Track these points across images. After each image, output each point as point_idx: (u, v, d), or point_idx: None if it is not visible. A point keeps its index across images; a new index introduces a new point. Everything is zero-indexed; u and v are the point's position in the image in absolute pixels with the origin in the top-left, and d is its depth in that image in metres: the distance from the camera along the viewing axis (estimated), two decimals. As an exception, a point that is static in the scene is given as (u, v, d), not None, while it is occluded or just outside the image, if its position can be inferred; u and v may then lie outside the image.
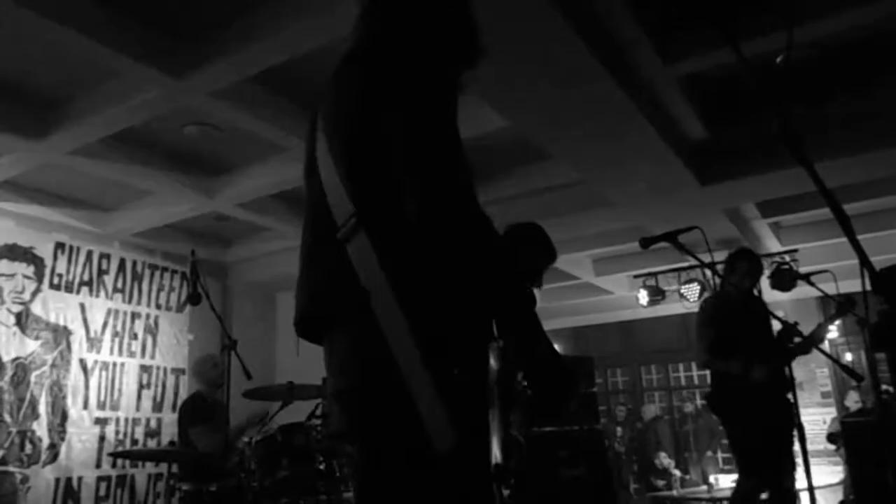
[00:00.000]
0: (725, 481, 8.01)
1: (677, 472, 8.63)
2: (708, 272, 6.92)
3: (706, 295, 3.96)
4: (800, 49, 4.21)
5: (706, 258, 3.26)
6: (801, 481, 3.58)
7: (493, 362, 1.24)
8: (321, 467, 3.86)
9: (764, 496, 3.93)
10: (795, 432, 3.34)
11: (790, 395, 3.65)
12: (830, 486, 7.08)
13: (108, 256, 6.10)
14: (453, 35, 1.46)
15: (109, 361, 5.90)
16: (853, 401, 7.40)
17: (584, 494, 5.75)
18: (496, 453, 1.20)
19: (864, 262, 1.71)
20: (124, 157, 4.99)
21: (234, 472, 3.93)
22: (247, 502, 3.77)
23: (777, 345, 3.97)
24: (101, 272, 6.01)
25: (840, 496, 7.00)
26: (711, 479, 8.11)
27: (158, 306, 6.42)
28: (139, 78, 3.84)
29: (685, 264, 7.13)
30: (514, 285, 1.26)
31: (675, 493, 7.52)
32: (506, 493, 1.31)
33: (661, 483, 8.57)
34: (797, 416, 3.36)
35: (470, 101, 4.22)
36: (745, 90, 4.53)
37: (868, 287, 2.02)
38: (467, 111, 4.39)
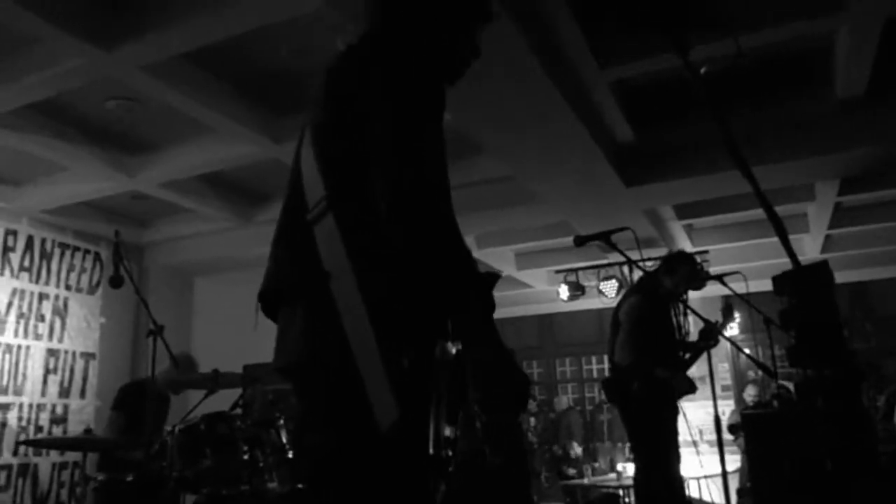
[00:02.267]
0: (630, 469, 8.41)
1: (581, 460, 8.98)
2: (626, 269, 7.21)
3: (635, 296, 4.13)
4: (720, 60, 4.44)
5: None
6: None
7: (447, 356, 1.28)
8: (245, 457, 3.80)
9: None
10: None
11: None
12: (728, 473, 7.51)
13: (14, 233, 5.75)
14: (451, 47, 1.54)
15: (13, 344, 5.57)
16: (750, 395, 7.89)
17: (502, 483, 5.89)
18: (433, 442, 1.26)
19: (795, 261, 1.85)
20: (38, 128, 4.70)
21: (154, 462, 3.81)
22: (166, 493, 3.67)
23: (685, 344, 4.23)
24: (6, 249, 5.66)
25: (737, 483, 7.45)
26: (619, 467, 8.47)
27: (68, 287, 6.10)
28: (63, 46, 3.62)
29: (605, 261, 7.40)
30: (471, 289, 1.26)
31: (585, 481, 7.80)
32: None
33: (571, 472, 8.87)
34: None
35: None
36: (670, 96, 4.74)
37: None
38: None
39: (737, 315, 4.11)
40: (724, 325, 4.35)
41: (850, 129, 4.88)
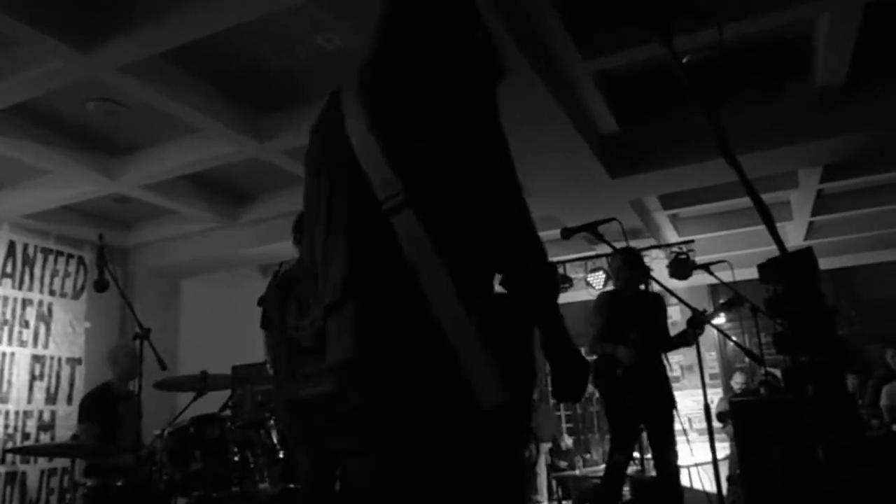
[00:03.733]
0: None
1: (572, 451, 9.01)
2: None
3: (605, 288, 4.41)
4: (700, 51, 4.47)
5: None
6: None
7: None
8: (235, 458, 3.78)
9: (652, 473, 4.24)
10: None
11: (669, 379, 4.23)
12: (716, 461, 7.57)
13: (-6, 239, 5.68)
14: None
15: (-3, 351, 5.50)
16: (737, 382, 7.95)
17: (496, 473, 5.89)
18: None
19: (782, 248, 1.85)
20: (17, 131, 4.64)
21: (143, 466, 3.78)
22: (157, 497, 3.64)
23: (666, 335, 4.36)
24: (-13, 256, 5.59)
25: (726, 471, 7.51)
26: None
27: (52, 293, 6.03)
28: (41, 49, 3.58)
29: (592, 253, 7.42)
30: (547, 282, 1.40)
31: (577, 472, 7.83)
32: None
33: (563, 464, 8.90)
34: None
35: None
36: (654, 87, 4.75)
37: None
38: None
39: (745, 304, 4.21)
40: (713, 315, 4.41)
41: (831, 117, 4.91)
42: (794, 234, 7.95)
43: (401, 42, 1.48)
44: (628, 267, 4.44)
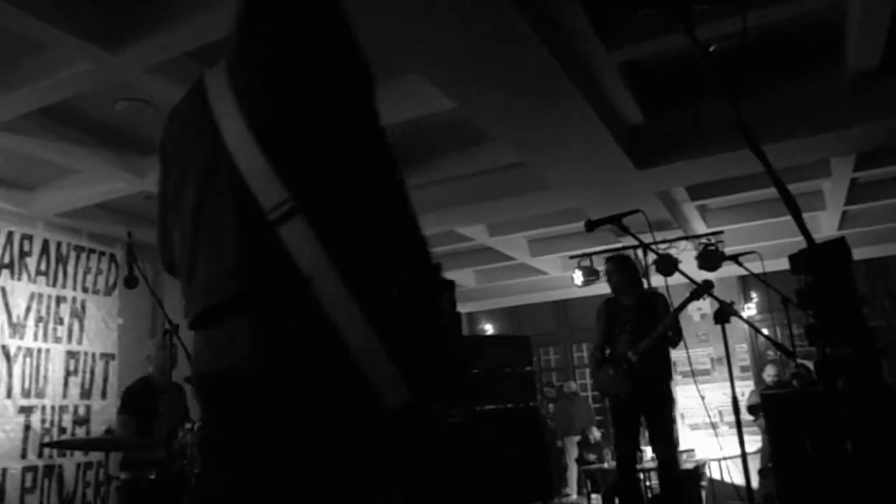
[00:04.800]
0: (650, 451, 8.40)
1: (601, 444, 8.96)
2: (640, 253, 7.16)
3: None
4: (729, 38, 4.40)
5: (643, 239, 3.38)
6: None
7: None
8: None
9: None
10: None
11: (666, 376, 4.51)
12: (749, 454, 7.47)
13: (30, 238, 5.80)
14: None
15: (34, 347, 5.63)
16: (769, 375, 7.83)
17: (519, 471, 5.90)
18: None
19: (809, 240, 1.82)
20: (50, 133, 4.74)
21: (175, 460, 3.84)
22: (189, 490, 3.70)
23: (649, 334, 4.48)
24: (22, 254, 5.71)
25: (758, 464, 7.41)
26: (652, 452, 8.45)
27: (85, 290, 6.16)
28: (69, 51, 3.65)
29: (618, 245, 7.35)
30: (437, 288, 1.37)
31: (605, 465, 7.79)
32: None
33: (592, 457, 8.86)
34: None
35: (414, 80, 4.21)
36: (680, 77, 4.69)
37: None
38: (411, 90, 4.39)
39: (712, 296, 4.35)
40: (684, 305, 4.50)
41: (863, 104, 4.80)
42: (827, 224, 7.80)
43: (274, 49, 1.41)
44: (618, 272, 4.68)
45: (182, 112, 1.52)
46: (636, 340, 4.45)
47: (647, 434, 4.97)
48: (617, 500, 4.78)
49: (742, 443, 2.85)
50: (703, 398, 6.00)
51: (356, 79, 1.36)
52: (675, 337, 4.53)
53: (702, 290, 4.38)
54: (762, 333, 2.87)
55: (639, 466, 6.88)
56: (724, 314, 2.96)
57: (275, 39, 1.42)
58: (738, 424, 2.88)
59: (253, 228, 1.30)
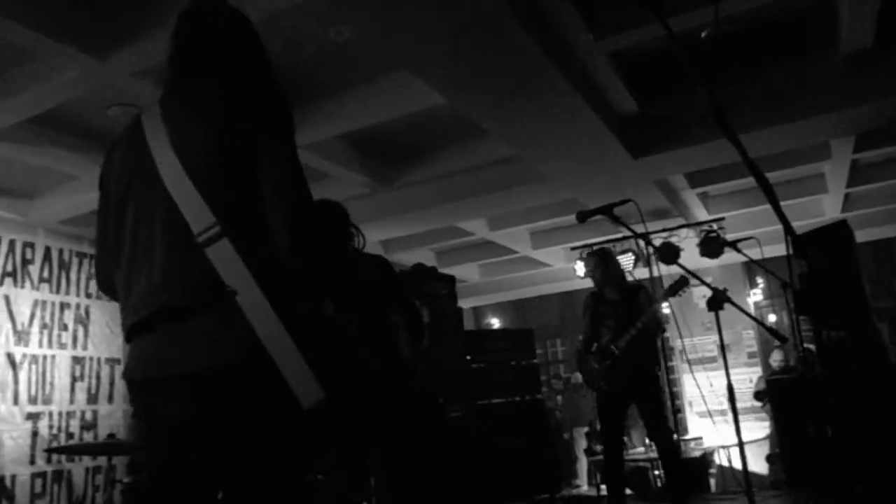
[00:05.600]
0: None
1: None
2: (642, 242, 7.14)
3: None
4: (722, 24, 4.36)
5: (639, 229, 3.37)
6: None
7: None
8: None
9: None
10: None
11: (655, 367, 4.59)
12: (757, 441, 7.46)
13: (32, 245, 5.85)
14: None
15: (39, 354, 5.68)
16: (776, 360, 7.79)
17: (525, 463, 5.90)
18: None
19: (787, 226, 1.81)
20: (46, 140, 4.76)
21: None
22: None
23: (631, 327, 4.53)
24: (25, 262, 5.76)
25: (766, 450, 7.39)
26: (648, 441, 8.44)
27: (89, 295, 6.20)
28: (59, 58, 3.66)
29: (619, 235, 7.33)
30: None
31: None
32: None
33: (600, 447, 8.84)
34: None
35: (405, 76, 4.20)
36: (673, 65, 4.66)
37: (790, 251, 2.12)
38: (403, 88, 4.39)
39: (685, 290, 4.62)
40: (664, 298, 4.70)
41: (858, 84, 4.76)
42: (830, 207, 7.74)
43: (204, 89, 1.59)
44: (600, 266, 4.75)
45: (120, 148, 1.68)
46: (619, 334, 4.51)
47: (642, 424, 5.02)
48: (605, 489, 4.87)
49: (738, 430, 2.84)
50: (698, 386, 5.98)
51: (276, 109, 1.54)
52: (657, 329, 4.62)
53: (678, 285, 4.53)
54: (751, 317, 2.86)
55: (645, 456, 6.89)
56: (717, 301, 2.95)
57: (206, 78, 1.61)
58: (734, 412, 2.87)
59: (184, 248, 1.45)
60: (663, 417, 4.57)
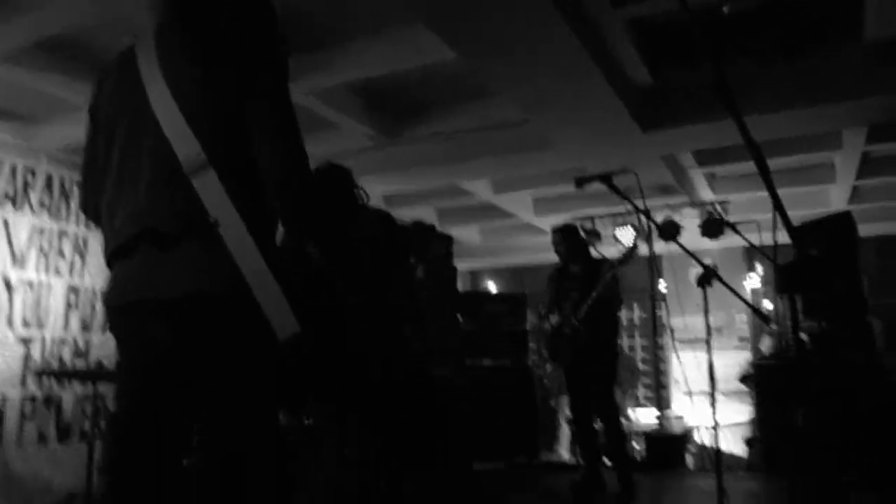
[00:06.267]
0: (641, 415, 8.53)
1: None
2: (644, 218, 7.11)
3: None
4: (745, 1, 4.28)
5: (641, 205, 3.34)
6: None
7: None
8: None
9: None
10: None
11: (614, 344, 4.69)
12: (739, 424, 7.53)
13: (33, 171, 5.83)
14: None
15: (35, 280, 5.71)
16: (766, 345, 7.81)
17: (506, 426, 5.98)
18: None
19: (776, 203, 1.79)
20: (51, 66, 4.71)
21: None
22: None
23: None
24: (25, 187, 5.75)
25: (748, 434, 7.46)
26: (630, 413, 8.55)
27: (87, 225, 6.21)
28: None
29: (622, 209, 7.30)
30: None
31: (595, 425, 7.86)
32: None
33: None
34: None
35: (416, 29, 4.13)
36: (690, 37, 4.57)
37: (784, 236, 2.11)
38: (411, 39, 4.31)
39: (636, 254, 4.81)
40: (620, 266, 4.71)
41: (879, 74, 4.67)
42: (837, 198, 7.69)
43: (202, 24, 1.58)
44: (565, 241, 4.81)
45: (112, 78, 1.69)
46: (579, 308, 4.57)
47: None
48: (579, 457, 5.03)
49: (714, 410, 2.87)
50: (698, 366, 5.99)
51: (271, 53, 1.54)
52: (614, 300, 4.67)
53: (628, 255, 4.68)
54: (740, 296, 2.86)
55: (624, 427, 6.96)
56: (706, 278, 2.95)
57: (204, 15, 1.58)
58: (713, 392, 2.89)
59: (169, 176, 1.46)
60: (609, 395, 4.66)
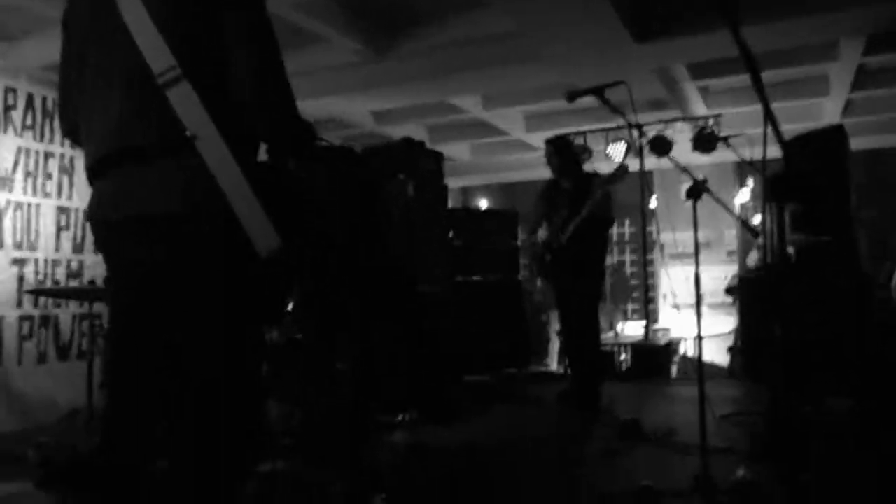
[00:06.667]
0: (629, 328, 8.76)
1: None
2: (636, 133, 7.06)
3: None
4: None
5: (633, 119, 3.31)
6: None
7: None
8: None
9: None
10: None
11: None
12: (722, 334, 7.75)
13: (14, 91, 5.68)
14: None
15: (24, 202, 5.67)
16: (753, 259, 7.93)
17: (496, 339, 6.13)
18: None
19: (771, 120, 1.80)
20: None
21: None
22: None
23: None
24: (7, 107, 5.62)
25: (730, 343, 7.68)
26: (618, 327, 8.77)
27: (73, 146, 6.11)
28: None
29: (614, 124, 7.24)
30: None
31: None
32: None
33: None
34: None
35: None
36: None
37: (775, 150, 2.12)
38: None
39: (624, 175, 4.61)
40: (609, 184, 4.58)
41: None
42: (830, 111, 7.64)
43: None
44: (557, 154, 4.70)
45: None
46: (567, 225, 4.52)
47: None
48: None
49: (699, 321, 2.96)
50: (686, 279, 6.09)
51: None
52: (605, 217, 4.60)
53: (618, 173, 4.52)
54: (728, 209, 2.89)
55: (613, 340, 7.15)
56: (695, 190, 2.97)
57: None
58: (698, 304, 2.97)
59: (143, 89, 1.43)
60: (592, 314, 4.66)
